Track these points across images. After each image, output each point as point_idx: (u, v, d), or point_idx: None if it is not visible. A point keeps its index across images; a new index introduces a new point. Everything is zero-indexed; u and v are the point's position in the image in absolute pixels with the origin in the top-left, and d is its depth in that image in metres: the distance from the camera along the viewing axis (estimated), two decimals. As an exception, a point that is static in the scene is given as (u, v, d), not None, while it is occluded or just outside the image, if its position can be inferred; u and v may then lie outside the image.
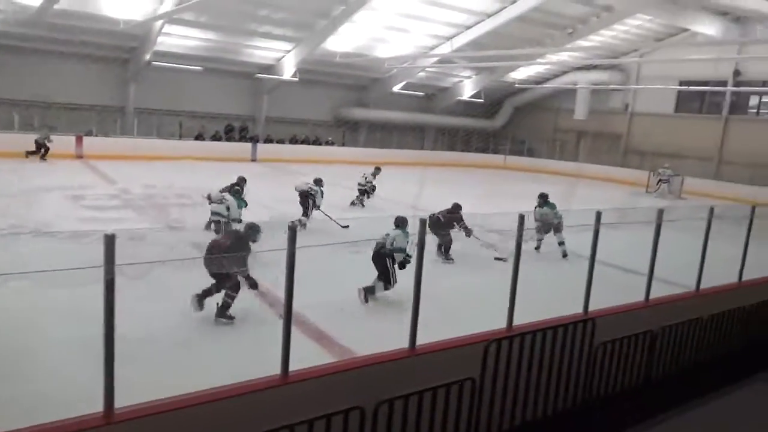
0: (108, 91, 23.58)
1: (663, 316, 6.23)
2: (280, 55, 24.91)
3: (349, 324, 7.19)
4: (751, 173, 24.11)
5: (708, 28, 22.06)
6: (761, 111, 26.87)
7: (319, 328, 6.91)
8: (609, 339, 5.23)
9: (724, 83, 26.25)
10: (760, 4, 7.45)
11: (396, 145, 30.64)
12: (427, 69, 28.38)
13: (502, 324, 5.31)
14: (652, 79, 29.09)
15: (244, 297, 7.02)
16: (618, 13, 23.50)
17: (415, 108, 31.81)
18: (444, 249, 10.21)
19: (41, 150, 19.78)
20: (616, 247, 9.73)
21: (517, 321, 5.37)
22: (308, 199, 12.18)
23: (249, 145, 25.80)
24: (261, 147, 25.93)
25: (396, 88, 29.64)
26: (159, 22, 19.78)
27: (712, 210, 7.53)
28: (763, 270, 8.72)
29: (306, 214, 12.06)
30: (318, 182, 12.45)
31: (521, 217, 5.59)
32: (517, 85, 31.87)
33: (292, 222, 4.54)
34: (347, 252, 7.81)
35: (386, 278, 7.60)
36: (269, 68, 25.80)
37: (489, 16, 22.67)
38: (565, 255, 10.98)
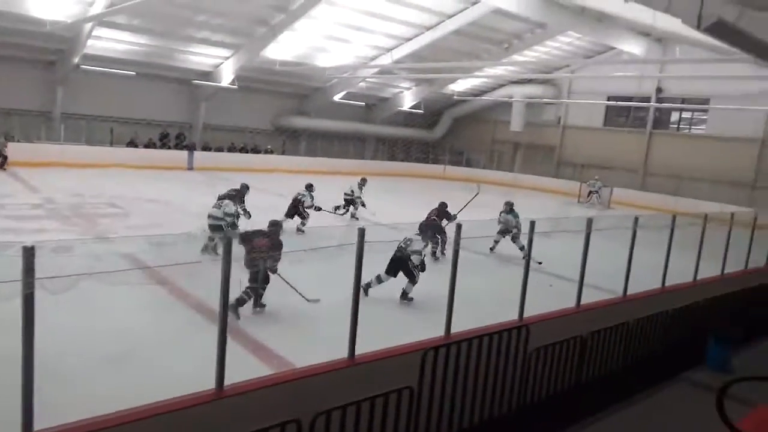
0: (33, 95, 22.34)
1: (593, 321, 6.48)
2: (218, 62, 24.43)
3: (289, 334, 7.10)
4: (672, 184, 25.60)
5: (633, 47, 23.36)
6: (681, 126, 28.60)
7: (257, 340, 6.79)
8: (542, 344, 5.38)
9: (648, 99, 27.78)
10: (678, 27, 7.96)
11: (337, 154, 30.63)
12: (367, 79, 28.55)
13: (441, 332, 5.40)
14: (583, 93, 30.45)
15: (180, 312, 6.81)
16: (550, 30, 24.50)
17: (355, 118, 31.93)
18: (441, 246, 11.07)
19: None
20: (549, 255, 10.12)
21: (457, 327, 5.46)
22: (297, 207, 13.51)
23: (185, 153, 25.08)
24: (198, 155, 25.27)
25: (337, 98, 29.66)
26: (89, 25, 18.98)
27: (636, 219, 7.93)
28: (684, 276, 9.26)
29: (303, 217, 13.45)
30: (309, 187, 13.93)
31: (458, 227, 5.70)
32: (455, 97, 32.58)
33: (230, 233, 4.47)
34: (287, 262, 7.70)
35: (411, 277, 8.50)
36: (207, 75, 25.25)
37: (428, 29, 23.08)
38: (525, 257, 11.42)
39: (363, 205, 16.01)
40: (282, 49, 23.28)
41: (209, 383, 4.06)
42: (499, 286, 8.71)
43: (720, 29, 6.73)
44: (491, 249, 12.30)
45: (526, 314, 6.13)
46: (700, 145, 26.90)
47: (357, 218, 16.02)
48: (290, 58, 24.20)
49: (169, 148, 25.71)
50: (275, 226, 7.39)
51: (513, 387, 5.42)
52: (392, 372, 4.74)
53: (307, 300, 7.69)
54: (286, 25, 20.79)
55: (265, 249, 7.11)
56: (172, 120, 26.53)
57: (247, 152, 27.94)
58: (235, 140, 28.06)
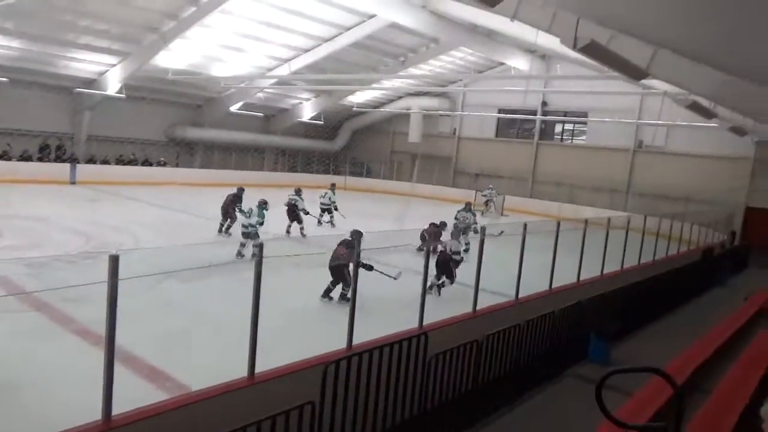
0: None
1: (488, 325, 6.77)
2: (104, 69, 22.96)
3: (184, 356, 6.79)
4: (557, 191, 27.42)
5: (519, 62, 24.86)
6: (564, 137, 30.77)
7: (151, 364, 6.43)
8: (441, 351, 5.54)
9: (534, 112, 29.65)
10: (558, 46, 8.61)
11: (235, 166, 29.81)
12: (265, 90, 28.12)
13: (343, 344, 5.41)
14: (476, 106, 31.90)
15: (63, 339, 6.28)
16: (444, 45, 25.51)
17: (254, 128, 31.29)
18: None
19: None
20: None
21: (361, 338, 5.49)
22: (295, 210, 14.64)
23: (67, 165, 23.28)
24: (81, 168, 23.53)
25: (233, 108, 28.93)
26: (-50, 25, 17.20)
27: (525, 226, 8.41)
28: (569, 277, 9.93)
29: (300, 221, 14.56)
30: (298, 192, 15.22)
31: (358, 236, 5.76)
32: (355, 109, 32.92)
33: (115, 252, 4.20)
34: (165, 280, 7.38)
35: (450, 275, 10.08)
36: (91, 83, 23.63)
37: (326, 40, 23.18)
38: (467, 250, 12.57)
39: (336, 209, 17.21)
40: (174, 58, 22.37)
41: (96, 415, 3.80)
42: (403, 294, 8.87)
43: (593, 50, 7.34)
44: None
45: (426, 321, 6.32)
46: (581, 155, 29.06)
47: (334, 225, 16.81)
48: (183, 67, 23.30)
49: (49, 160, 23.74)
50: (357, 234, 8.03)
51: (414, 394, 5.53)
52: (293, 388, 4.68)
53: (393, 278, 8.76)
54: (177, 33, 19.99)
55: (344, 256, 8.59)
56: (52, 130, 24.53)
57: (137, 165, 26.43)
58: (125, 152, 26.49)
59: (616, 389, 5.32)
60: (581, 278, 10.05)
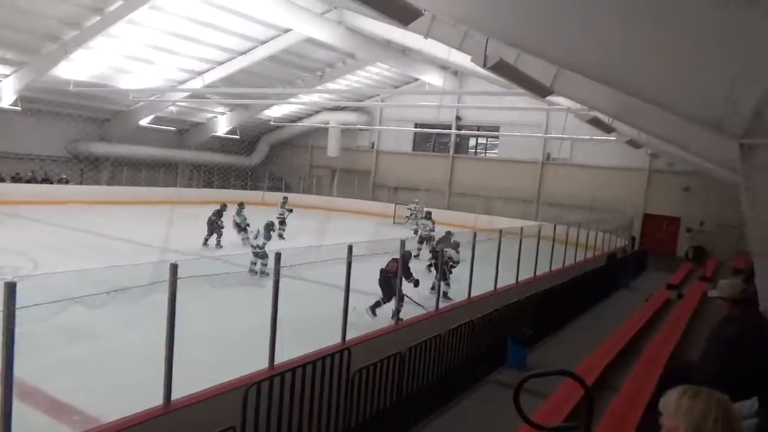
0: None
1: (411, 336, 6.85)
2: (-4, 80, 21.34)
3: (93, 386, 6.36)
4: (472, 202, 28.34)
5: (434, 78, 25.58)
6: (478, 150, 31.91)
7: (55, 398, 5.97)
8: (364, 365, 5.53)
9: (449, 126, 30.54)
10: (470, 63, 8.95)
11: (145, 182, 28.51)
12: (177, 103, 27.16)
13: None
14: (393, 120, 32.43)
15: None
16: (360, 60, 25.81)
17: (166, 143, 30.12)
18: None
19: None
20: (372, 276, 10.47)
21: (284, 357, 5.37)
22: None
23: (-46, 184, 21.33)
24: (-29, 187, 21.67)
25: (143, 122, 27.71)
26: None
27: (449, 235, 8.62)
28: (487, 285, 10.25)
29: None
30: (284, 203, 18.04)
31: (278, 255, 5.66)
32: (272, 123, 32.50)
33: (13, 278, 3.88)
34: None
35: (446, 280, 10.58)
36: (-19, 94, 21.85)
37: (241, 53, 22.77)
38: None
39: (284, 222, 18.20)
40: (77, 69, 21.13)
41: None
42: (325, 310, 8.80)
43: (502, 68, 7.69)
44: (414, 256, 13.22)
45: (348, 336, 6.30)
46: (494, 167, 30.23)
47: (284, 238, 17.64)
48: (87, 79, 22.05)
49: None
50: (408, 252, 8.89)
51: (338, 411, 5.48)
52: (213, 414, 4.51)
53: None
54: (80, 43, 18.91)
55: (386, 273, 9.26)
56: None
57: (36, 182, 24.63)
58: (21, 169, 24.61)
59: (533, 392, 5.54)
60: (498, 287, 10.40)
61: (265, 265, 11.43)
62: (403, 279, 8.35)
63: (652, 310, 10.00)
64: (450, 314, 8.39)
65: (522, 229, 12.77)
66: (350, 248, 6.71)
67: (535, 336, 8.69)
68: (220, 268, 5.62)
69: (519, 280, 11.45)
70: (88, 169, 27.21)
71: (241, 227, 16.80)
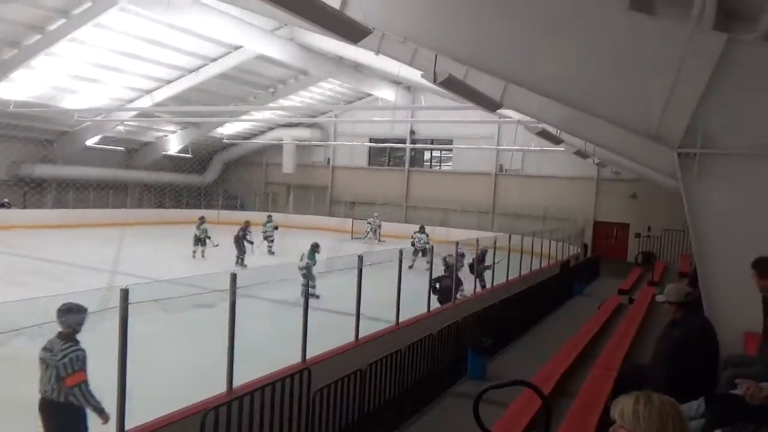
0: None
1: (371, 352, 6.82)
2: (-72, 102, 20.37)
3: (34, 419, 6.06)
4: (429, 215, 28.62)
5: (387, 93, 25.82)
6: (433, 164, 32.31)
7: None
8: (324, 384, 5.47)
9: (403, 141, 30.84)
10: (421, 79, 9.12)
11: (93, 204, 27.59)
12: (126, 123, 26.49)
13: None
14: (348, 136, 32.51)
15: None
16: (312, 76, 25.82)
17: (114, 164, 29.28)
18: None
19: None
20: (330, 291, 10.41)
21: (243, 379, 5.26)
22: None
23: None
24: None
25: (90, 143, 26.89)
26: None
27: (401, 252, 8.67)
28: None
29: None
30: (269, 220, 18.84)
31: (233, 276, 5.56)
32: (225, 141, 32.08)
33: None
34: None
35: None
36: None
37: (191, 71, 22.45)
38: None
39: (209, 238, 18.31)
40: (17, 89, 20.36)
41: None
42: (287, 329, 8.68)
43: (451, 84, 7.84)
44: (410, 267, 13.71)
45: (309, 355, 6.23)
46: (449, 180, 30.65)
47: (273, 253, 18.68)
48: (28, 99, 21.28)
49: None
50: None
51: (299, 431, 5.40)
52: (169, 442, 4.37)
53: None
54: (20, 62, 18.28)
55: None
56: None
57: (-25, 208, 23.52)
58: (-42, 194, 23.50)
59: (493, 402, 5.59)
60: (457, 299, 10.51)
61: (314, 286, 11.08)
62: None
63: (605, 315, 10.27)
64: (409, 328, 8.41)
65: (478, 240, 12.99)
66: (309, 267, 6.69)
67: (494, 346, 8.80)
68: (174, 292, 5.47)
69: (476, 291, 11.59)
70: (32, 192, 26.14)
71: (201, 240, 17.99)
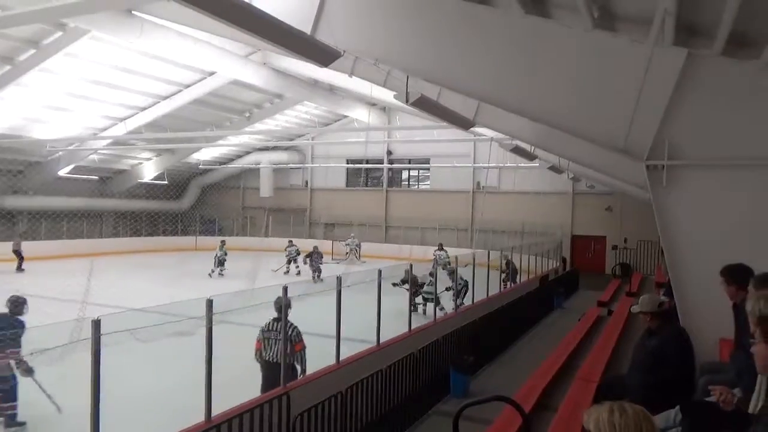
0: None
1: (352, 374, 6.75)
2: None
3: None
4: (408, 234, 28.69)
5: (362, 115, 25.98)
6: (411, 183, 32.48)
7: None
8: (305, 408, 5.40)
9: (381, 161, 30.99)
10: (395, 99, 9.21)
11: (67, 234, 27.07)
12: (99, 151, 26.19)
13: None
14: (325, 158, 32.58)
15: None
16: (288, 100, 25.92)
17: (88, 193, 28.83)
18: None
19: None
20: (311, 314, 10.29)
21: (223, 406, 5.16)
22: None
23: None
24: None
25: (62, 172, 26.48)
26: None
27: (380, 272, 8.65)
28: (427, 317, 10.33)
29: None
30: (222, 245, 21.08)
31: (209, 302, 5.48)
32: (201, 166, 31.88)
33: None
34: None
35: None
36: None
37: (164, 98, 22.34)
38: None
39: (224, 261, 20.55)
40: (-14, 120, 20.07)
41: None
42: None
43: (424, 104, 7.94)
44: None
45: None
46: (427, 199, 30.82)
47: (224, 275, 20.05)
48: (-2, 130, 20.96)
49: None
50: None
51: (281, 459, 5.31)
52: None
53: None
54: (-11, 94, 18.04)
55: None
56: None
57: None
58: (-74, 229, 22.87)
59: (475, 420, 5.57)
60: (437, 317, 10.49)
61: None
62: None
63: (585, 328, 10.36)
64: (390, 348, 8.35)
65: (456, 258, 13.02)
66: (285, 289, 6.63)
67: (476, 363, 8.79)
68: (149, 320, 5.38)
69: (457, 308, 11.60)
70: (2, 224, 25.55)
71: (221, 262, 20.38)
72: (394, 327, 9.33)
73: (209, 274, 20.08)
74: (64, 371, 6.39)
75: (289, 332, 6.70)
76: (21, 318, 6.84)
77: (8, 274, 19.39)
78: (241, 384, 6.63)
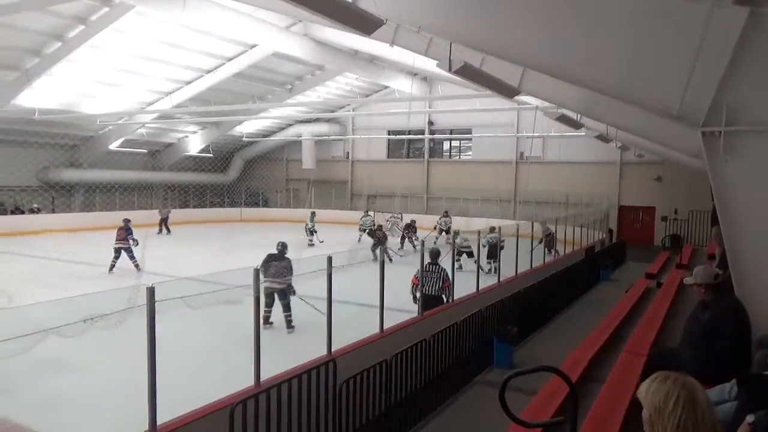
0: None
1: (396, 343, 6.83)
2: (-46, 112, 20.88)
3: (76, 418, 6.23)
4: (449, 205, 28.51)
5: (403, 85, 25.69)
6: (452, 154, 32.13)
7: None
8: (351, 375, 5.50)
9: (422, 132, 30.71)
10: (437, 69, 9.05)
11: (120, 206, 28.08)
12: (147, 125, 26.89)
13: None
14: (366, 129, 32.51)
15: None
16: (329, 71, 25.85)
17: (138, 166, 29.76)
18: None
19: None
20: (354, 286, 10.44)
21: (269, 372, 5.32)
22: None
23: None
24: (-62, 222, 21.13)
25: (113, 146, 27.36)
26: None
27: (423, 243, 8.66)
28: (470, 286, 10.31)
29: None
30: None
31: (256, 272, 5.62)
32: (245, 139, 32.34)
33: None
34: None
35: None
36: (-59, 127, 21.39)
37: (208, 72, 22.66)
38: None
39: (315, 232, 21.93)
40: (40, 96, 20.81)
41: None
42: (310, 320, 8.75)
43: (467, 72, 7.77)
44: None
45: (334, 347, 6.27)
46: (469, 170, 30.46)
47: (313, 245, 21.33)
48: (52, 106, 21.72)
49: None
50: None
51: (327, 423, 5.45)
52: (200, 436, 4.45)
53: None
54: (42, 70, 18.66)
55: None
56: None
57: (6, 214, 24.10)
58: (-9, 201, 24.12)
59: (521, 390, 5.57)
60: (480, 288, 10.46)
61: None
62: None
63: (633, 300, 10.13)
64: (434, 318, 8.40)
65: (500, 228, 12.89)
66: (329, 259, 6.71)
67: (520, 333, 8.75)
68: (197, 288, 5.56)
69: (501, 279, 11.53)
70: (59, 196, 26.73)
71: (313, 231, 21.98)
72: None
73: (309, 244, 21.42)
74: (120, 337, 6.72)
75: (441, 272, 9.07)
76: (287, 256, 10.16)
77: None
78: (285, 350, 6.80)
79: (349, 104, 30.69)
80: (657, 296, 10.33)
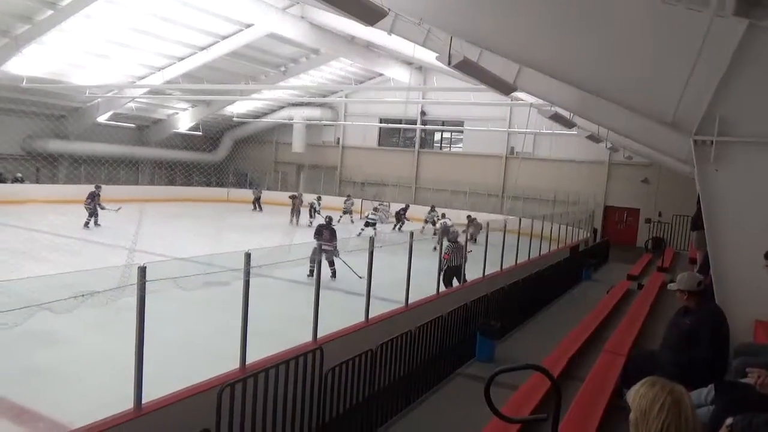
0: None
1: (381, 333, 6.91)
2: (-58, 76, 20.47)
3: (61, 392, 6.22)
4: (438, 197, 28.60)
5: (398, 74, 25.65)
6: (443, 145, 32.17)
7: (18, 404, 5.83)
8: (336, 363, 5.57)
9: (414, 122, 30.69)
10: (434, 58, 9.07)
11: (105, 180, 27.73)
12: (137, 99, 26.54)
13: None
14: (358, 116, 32.39)
15: None
16: (324, 56, 25.67)
17: (126, 140, 29.38)
18: None
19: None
20: (343, 272, 10.51)
21: (254, 357, 5.36)
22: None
23: None
24: None
25: (101, 119, 26.98)
26: None
27: (412, 234, 8.71)
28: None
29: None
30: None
31: (247, 256, 5.62)
32: (235, 119, 32.06)
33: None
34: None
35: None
36: (-74, 91, 20.94)
37: (201, 49, 22.38)
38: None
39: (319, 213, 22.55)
40: (29, 64, 20.40)
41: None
42: (296, 308, 8.78)
43: (465, 66, 7.80)
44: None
45: (320, 334, 6.33)
46: (459, 162, 30.54)
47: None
48: (40, 75, 21.34)
49: None
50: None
51: (312, 409, 5.51)
52: (186, 416, 4.49)
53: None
54: (32, 37, 18.30)
55: None
56: None
57: (-12, 182, 23.74)
58: (-27, 169, 23.70)
59: (502, 385, 5.66)
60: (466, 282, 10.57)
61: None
62: None
63: (614, 300, 10.30)
64: (419, 310, 8.49)
65: (488, 223, 12.99)
66: (319, 246, 6.75)
67: (503, 328, 8.87)
68: (189, 270, 5.56)
69: (486, 274, 11.64)
70: (43, 167, 26.33)
71: (317, 211, 23.09)
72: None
73: (309, 225, 22.06)
74: (110, 315, 6.70)
75: (462, 249, 11.45)
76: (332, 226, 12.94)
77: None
78: (271, 335, 6.83)
79: (342, 90, 30.54)
80: (638, 298, 10.51)
